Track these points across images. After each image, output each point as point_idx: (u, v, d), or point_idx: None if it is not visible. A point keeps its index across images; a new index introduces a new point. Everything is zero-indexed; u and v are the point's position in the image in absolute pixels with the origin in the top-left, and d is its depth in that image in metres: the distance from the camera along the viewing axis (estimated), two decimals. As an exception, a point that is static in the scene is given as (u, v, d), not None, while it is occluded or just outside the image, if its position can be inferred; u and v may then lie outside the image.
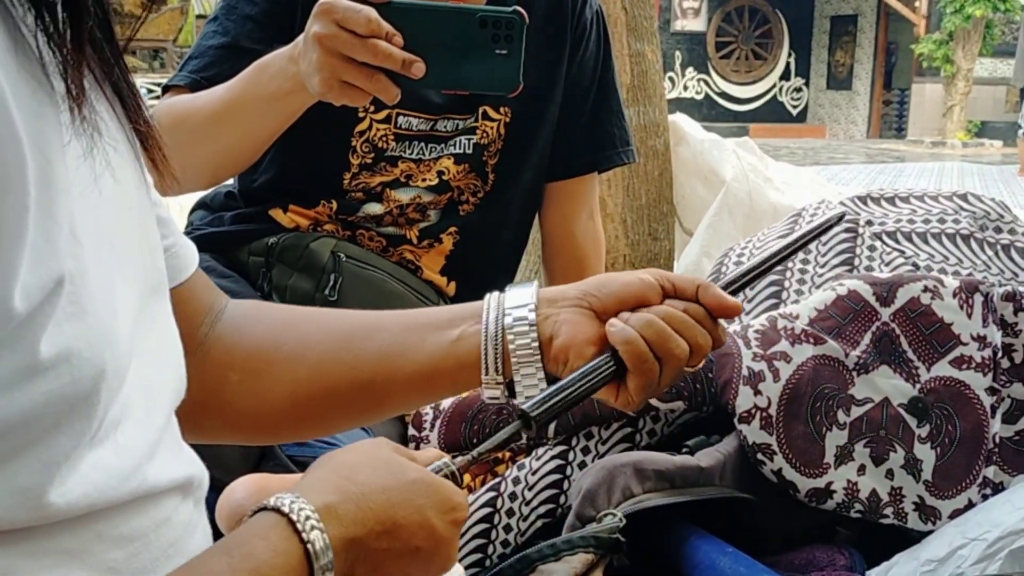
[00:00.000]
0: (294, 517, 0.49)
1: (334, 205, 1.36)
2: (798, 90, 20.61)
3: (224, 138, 1.17)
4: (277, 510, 0.50)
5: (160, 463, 0.51)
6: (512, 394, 0.71)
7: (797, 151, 15.15)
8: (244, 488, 0.87)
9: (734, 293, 0.72)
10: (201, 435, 0.75)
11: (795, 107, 20.71)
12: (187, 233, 1.42)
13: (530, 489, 1.03)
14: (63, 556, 0.44)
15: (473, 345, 0.70)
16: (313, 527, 0.49)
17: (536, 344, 0.69)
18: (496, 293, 0.73)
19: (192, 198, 1.47)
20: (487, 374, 0.70)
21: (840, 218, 0.81)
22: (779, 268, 1.26)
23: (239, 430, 0.76)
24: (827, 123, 20.52)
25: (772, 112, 20.25)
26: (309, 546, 0.49)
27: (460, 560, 0.97)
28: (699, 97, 19.53)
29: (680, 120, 2.60)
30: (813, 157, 14.14)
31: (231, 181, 1.41)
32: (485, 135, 1.38)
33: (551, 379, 0.70)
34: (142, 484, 0.49)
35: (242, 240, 1.37)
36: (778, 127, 19.45)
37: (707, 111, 19.00)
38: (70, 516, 0.44)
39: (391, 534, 0.52)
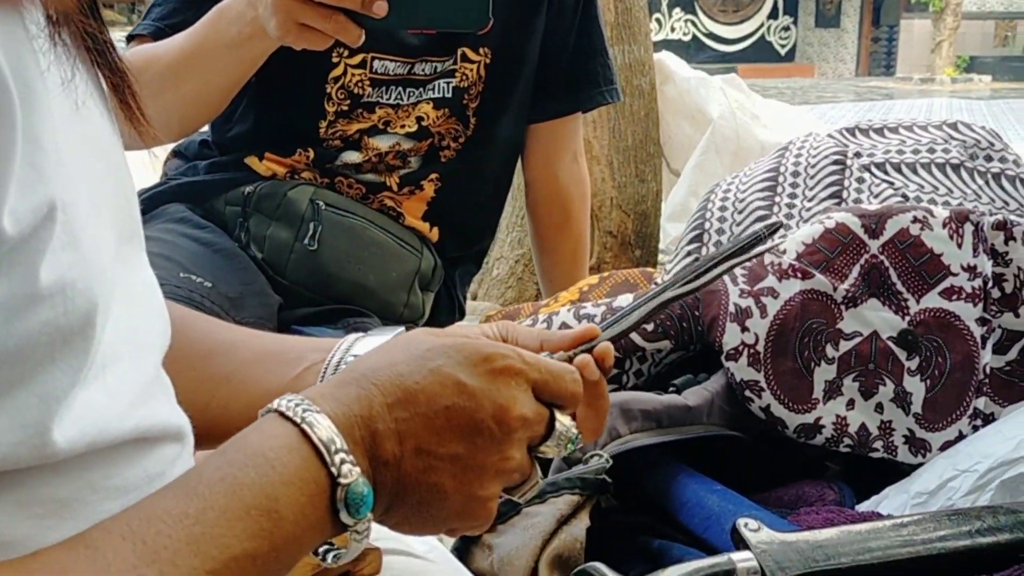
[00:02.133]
0: (281, 408, 0.47)
1: (311, 154, 1.33)
2: (786, 29, 20.43)
3: (187, 87, 1.13)
4: (267, 410, 0.48)
5: (153, 408, 0.50)
6: None
7: (786, 91, 15.06)
8: None
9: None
10: None
11: (783, 46, 20.54)
12: (162, 183, 1.39)
13: (517, 433, 1.02)
14: (55, 505, 0.43)
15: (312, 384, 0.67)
16: (306, 410, 0.47)
17: None
18: (355, 336, 0.69)
19: (167, 148, 1.43)
20: None
21: (773, 231, 0.68)
22: (766, 203, 1.24)
23: None
24: (816, 62, 20.38)
25: (760, 52, 20.08)
26: (305, 427, 0.46)
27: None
28: (686, 38, 19.34)
29: (666, 58, 2.56)
30: (802, 97, 14.08)
31: (205, 129, 1.38)
32: (465, 78, 1.34)
33: None
34: (136, 427, 0.48)
35: (218, 189, 1.34)
36: (767, 67, 19.31)
37: (694, 52, 18.83)
38: (70, 456, 0.43)
39: (405, 403, 0.49)
